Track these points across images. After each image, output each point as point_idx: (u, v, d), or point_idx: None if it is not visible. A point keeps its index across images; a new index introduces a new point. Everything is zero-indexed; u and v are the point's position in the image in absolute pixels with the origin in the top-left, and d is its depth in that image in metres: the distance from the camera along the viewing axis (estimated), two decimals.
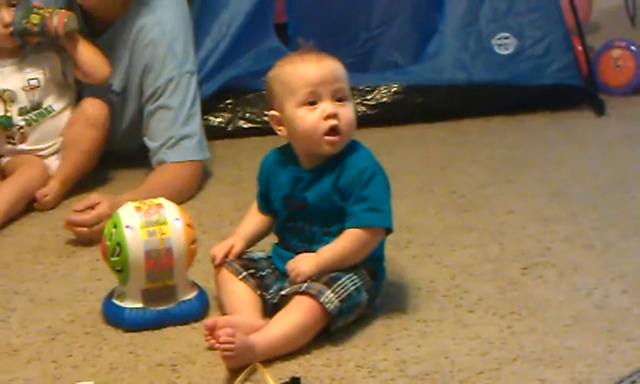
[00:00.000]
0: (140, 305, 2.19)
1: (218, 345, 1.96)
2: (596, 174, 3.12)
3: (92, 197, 2.70)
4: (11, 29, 2.92)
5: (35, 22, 2.90)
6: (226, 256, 2.23)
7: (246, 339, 1.96)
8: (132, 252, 2.14)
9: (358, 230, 2.12)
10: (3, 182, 2.93)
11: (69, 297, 2.36)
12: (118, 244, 2.16)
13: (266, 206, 2.27)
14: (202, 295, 2.26)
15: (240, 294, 2.17)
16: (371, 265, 2.18)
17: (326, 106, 2.12)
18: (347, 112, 2.14)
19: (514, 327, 2.14)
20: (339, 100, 2.14)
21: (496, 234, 2.65)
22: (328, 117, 2.12)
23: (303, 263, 2.13)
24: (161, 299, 2.20)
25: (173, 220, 2.18)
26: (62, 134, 3.04)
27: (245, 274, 2.19)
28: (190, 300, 2.22)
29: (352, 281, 2.12)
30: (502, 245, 2.58)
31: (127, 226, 2.16)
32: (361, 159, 2.15)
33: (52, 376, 2.01)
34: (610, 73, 3.98)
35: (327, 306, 2.05)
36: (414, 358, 2.02)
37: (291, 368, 1.99)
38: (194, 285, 2.26)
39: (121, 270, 2.17)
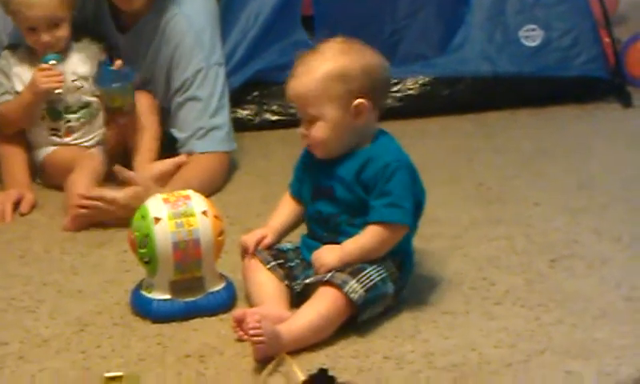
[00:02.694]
0: (168, 296, 2.20)
1: (247, 336, 1.97)
2: (623, 166, 3.11)
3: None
4: (48, 52, 2.93)
5: (130, 106, 2.93)
6: (257, 246, 2.24)
7: (273, 328, 1.96)
8: (160, 243, 2.15)
9: (379, 226, 2.13)
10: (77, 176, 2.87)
11: (97, 288, 2.38)
12: (146, 236, 2.16)
13: (299, 191, 2.28)
14: (230, 286, 2.26)
15: (267, 285, 2.18)
16: (398, 257, 2.19)
17: (300, 127, 2.18)
18: (315, 132, 2.15)
19: (542, 319, 2.14)
20: (309, 122, 2.16)
21: (523, 227, 2.65)
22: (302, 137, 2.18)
23: (327, 254, 2.14)
24: (189, 290, 2.21)
25: (200, 211, 2.19)
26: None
27: (273, 263, 2.20)
28: (217, 291, 2.23)
29: (377, 272, 2.12)
30: (529, 237, 2.58)
31: (155, 218, 2.17)
32: (387, 153, 2.15)
33: (81, 367, 2.02)
34: (638, 65, 3.95)
35: (351, 296, 2.06)
36: (442, 350, 2.02)
37: (319, 359, 1.99)
38: (222, 276, 2.27)
39: (149, 261, 2.18)
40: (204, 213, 2.19)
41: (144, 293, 2.22)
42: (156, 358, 2.04)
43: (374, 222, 2.13)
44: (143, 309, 2.21)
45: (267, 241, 2.24)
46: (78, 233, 2.70)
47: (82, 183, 2.79)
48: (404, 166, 2.15)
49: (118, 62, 2.91)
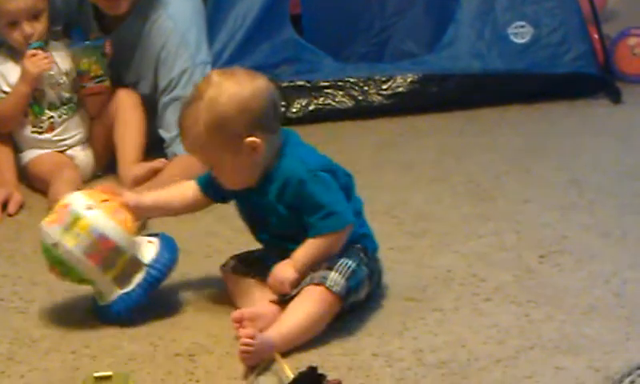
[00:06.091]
0: (120, 291, 2.17)
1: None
2: (613, 162, 3.12)
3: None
4: (31, 42, 2.96)
5: (98, 73, 2.96)
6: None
7: (264, 338, 1.96)
8: (74, 262, 2.12)
9: (323, 235, 2.12)
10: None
11: (86, 288, 2.36)
12: (61, 263, 2.14)
13: (210, 187, 2.25)
14: (166, 239, 2.23)
15: (252, 289, 2.18)
16: (359, 243, 2.18)
17: None
18: (219, 177, 2.16)
19: (531, 315, 2.14)
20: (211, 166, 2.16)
21: (513, 223, 2.65)
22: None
23: (283, 271, 2.12)
24: (133, 274, 2.17)
25: (84, 209, 2.14)
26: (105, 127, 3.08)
27: (249, 270, 2.21)
28: (157, 254, 2.19)
29: (351, 258, 2.12)
30: (519, 233, 2.58)
31: (53, 245, 2.14)
32: (296, 166, 2.11)
33: (71, 366, 2.02)
34: (627, 61, 3.97)
35: (334, 289, 2.06)
36: (431, 347, 2.02)
37: (308, 357, 1.99)
38: (150, 238, 2.23)
39: (80, 280, 2.17)
40: (89, 207, 2.15)
41: (101, 303, 2.20)
42: (146, 358, 2.04)
43: (317, 237, 2.12)
44: (110, 317, 2.18)
45: (126, 200, 2.22)
46: None
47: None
48: (317, 169, 2.12)
49: (94, 36, 3.00)
